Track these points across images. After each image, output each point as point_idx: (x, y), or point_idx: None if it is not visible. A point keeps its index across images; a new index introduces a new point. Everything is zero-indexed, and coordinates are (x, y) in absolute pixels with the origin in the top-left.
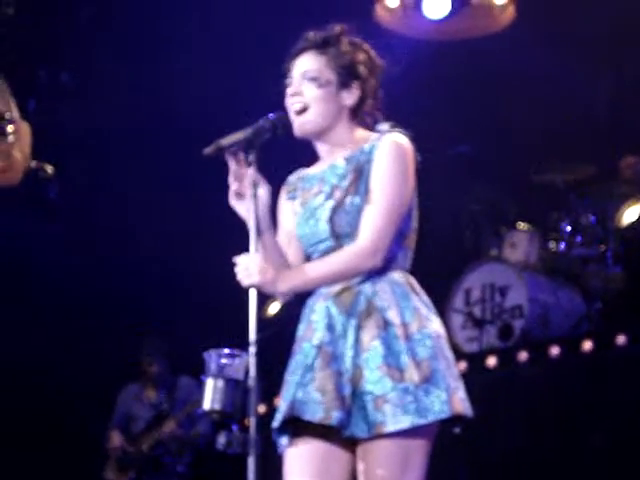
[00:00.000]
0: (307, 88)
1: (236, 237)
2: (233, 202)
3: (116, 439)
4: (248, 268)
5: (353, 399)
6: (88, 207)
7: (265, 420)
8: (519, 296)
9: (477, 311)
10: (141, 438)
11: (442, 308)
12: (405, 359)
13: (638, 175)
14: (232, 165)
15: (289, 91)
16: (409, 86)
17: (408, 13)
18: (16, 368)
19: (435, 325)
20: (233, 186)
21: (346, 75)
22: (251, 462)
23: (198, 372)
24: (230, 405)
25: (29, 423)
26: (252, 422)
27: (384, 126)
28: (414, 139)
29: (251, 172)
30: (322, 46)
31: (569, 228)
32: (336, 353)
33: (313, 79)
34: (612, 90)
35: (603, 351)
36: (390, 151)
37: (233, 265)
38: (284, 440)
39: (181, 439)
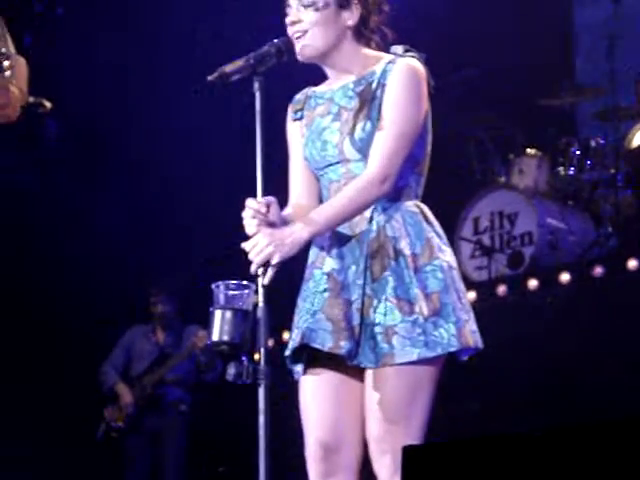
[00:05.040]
0: (305, 14)
1: (246, 175)
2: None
3: (127, 395)
4: (262, 250)
5: (362, 329)
6: (87, 142)
7: (274, 353)
8: (528, 223)
9: (486, 239)
10: (144, 377)
11: (450, 237)
12: (415, 291)
13: None
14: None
15: (288, 20)
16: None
17: None
18: (21, 307)
19: (447, 256)
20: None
21: None
22: (261, 392)
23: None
24: (239, 336)
25: (35, 363)
26: (262, 352)
27: (398, 49)
28: (428, 62)
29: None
30: None
31: (578, 152)
32: (346, 282)
33: (310, 4)
34: None
35: (614, 276)
36: (403, 76)
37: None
38: (299, 367)
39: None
